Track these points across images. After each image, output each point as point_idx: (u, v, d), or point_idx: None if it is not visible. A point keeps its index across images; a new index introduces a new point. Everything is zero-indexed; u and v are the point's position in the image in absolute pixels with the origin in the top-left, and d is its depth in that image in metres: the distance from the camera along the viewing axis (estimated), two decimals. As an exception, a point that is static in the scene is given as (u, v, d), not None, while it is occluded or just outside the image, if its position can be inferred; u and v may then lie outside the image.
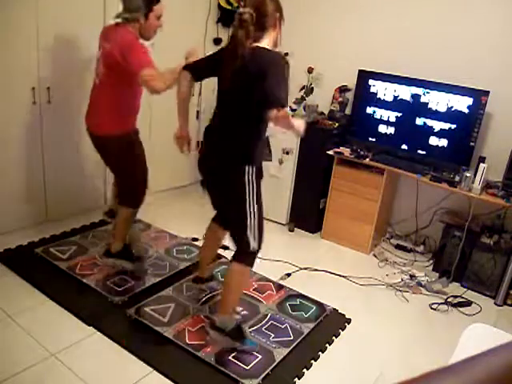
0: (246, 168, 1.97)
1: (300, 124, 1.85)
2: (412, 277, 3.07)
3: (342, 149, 3.47)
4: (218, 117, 2.10)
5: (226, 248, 3.19)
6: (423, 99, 3.21)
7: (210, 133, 2.12)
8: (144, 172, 2.68)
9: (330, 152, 3.41)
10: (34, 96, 2.90)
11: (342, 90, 3.69)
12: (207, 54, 2.18)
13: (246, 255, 2.09)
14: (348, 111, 3.68)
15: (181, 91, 2.13)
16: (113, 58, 2.31)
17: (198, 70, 2.13)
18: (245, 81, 1.93)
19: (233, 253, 2.16)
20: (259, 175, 2.06)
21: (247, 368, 2.07)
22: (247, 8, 1.94)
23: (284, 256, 3.19)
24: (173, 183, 4.06)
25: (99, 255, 2.83)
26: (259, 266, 3.02)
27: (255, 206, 2.01)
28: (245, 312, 2.50)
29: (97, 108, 2.54)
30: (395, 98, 3.33)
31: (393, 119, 3.37)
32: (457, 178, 3.00)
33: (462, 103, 3.06)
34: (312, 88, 3.68)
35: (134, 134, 2.65)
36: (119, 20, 2.40)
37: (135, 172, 2.65)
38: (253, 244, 2.04)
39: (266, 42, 1.98)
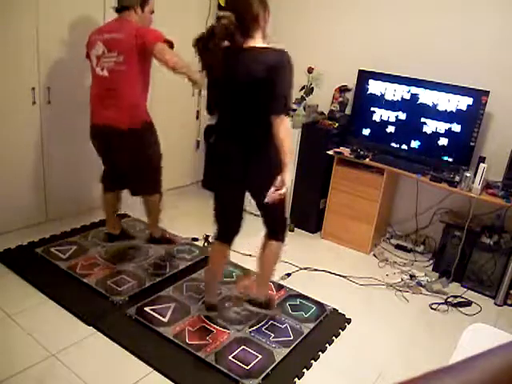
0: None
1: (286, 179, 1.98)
2: (412, 277, 3.07)
3: (342, 149, 3.46)
4: (229, 120, 2.03)
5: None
6: (423, 99, 3.21)
7: (226, 137, 2.03)
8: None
9: (330, 152, 3.41)
10: (34, 96, 2.90)
11: (342, 89, 3.69)
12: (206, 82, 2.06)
13: (284, 233, 2.27)
14: (348, 111, 3.68)
15: None
16: (129, 42, 2.36)
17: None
18: (251, 83, 1.88)
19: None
20: None
21: (247, 368, 2.07)
22: (227, 12, 1.84)
23: (284, 256, 3.17)
24: (173, 183, 4.06)
25: (145, 242, 3.08)
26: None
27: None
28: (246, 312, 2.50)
29: (120, 100, 2.46)
30: (395, 98, 3.33)
31: (393, 119, 3.37)
32: (457, 178, 3.00)
33: (462, 103, 3.06)
34: (312, 88, 3.67)
35: None
36: (117, 12, 2.50)
37: (160, 153, 2.75)
38: (288, 218, 2.21)
39: (259, 39, 1.93)
